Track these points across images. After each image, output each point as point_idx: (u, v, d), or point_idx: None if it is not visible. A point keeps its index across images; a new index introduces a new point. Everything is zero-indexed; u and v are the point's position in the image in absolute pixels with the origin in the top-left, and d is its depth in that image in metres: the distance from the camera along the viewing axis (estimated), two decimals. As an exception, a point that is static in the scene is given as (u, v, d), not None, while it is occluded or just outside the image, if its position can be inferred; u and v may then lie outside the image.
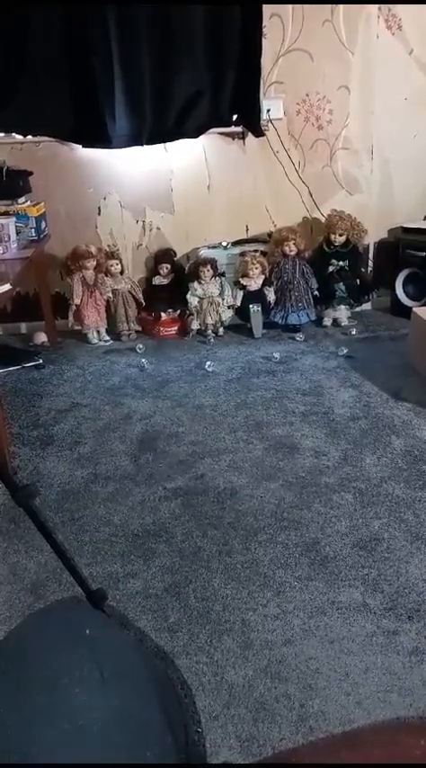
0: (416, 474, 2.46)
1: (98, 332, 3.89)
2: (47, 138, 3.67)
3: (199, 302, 3.83)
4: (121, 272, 3.89)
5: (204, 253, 3.90)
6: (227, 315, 3.90)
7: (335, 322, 3.97)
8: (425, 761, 0.64)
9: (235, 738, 1.51)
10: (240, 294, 3.85)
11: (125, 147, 3.65)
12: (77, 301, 3.79)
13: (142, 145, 3.68)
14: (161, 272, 3.91)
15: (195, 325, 3.88)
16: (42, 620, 1.27)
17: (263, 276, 3.83)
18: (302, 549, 2.10)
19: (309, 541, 2.14)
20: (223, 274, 3.88)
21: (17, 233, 3.28)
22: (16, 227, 3.29)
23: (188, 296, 3.83)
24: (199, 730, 1.51)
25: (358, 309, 4.08)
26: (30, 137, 3.67)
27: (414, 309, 3.33)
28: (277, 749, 1.47)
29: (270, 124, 3.78)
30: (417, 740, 0.65)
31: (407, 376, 3.25)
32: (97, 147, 3.66)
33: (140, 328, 3.97)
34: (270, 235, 3.98)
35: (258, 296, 3.84)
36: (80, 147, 3.70)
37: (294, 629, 1.80)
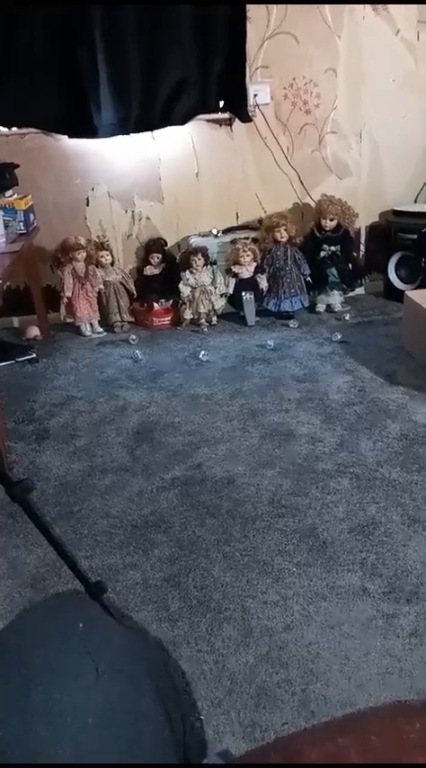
0: (412, 457, 2.47)
1: (91, 324, 3.88)
2: (32, 130, 3.63)
3: (191, 291, 3.82)
4: (112, 263, 3.87)
5: (195, 241, 3.88)
6: (220, 303, 3.89)
7: (328, 308, 3.97)
8: (420, 744, 0.65)
9: (237, 725, 1.52)
10: (232, 282, 3.84)
11: (111, 136, 3.62)
12: (68, 294, 3.77)
13: (129, 134, 3.65)
14: (152, 261, 3.89)
15: (188, 315, 3.86)
16: (38, 614, 1.27)
17: (255, 263, 3.82)
18: (300, 536, 2.11)
19: (307, 527, 2.14)
20: (214, 263, 3.86)
21: (5, 227, 3.25)
22: (4, 220, 3.26)
23: (180, 285, 3.81)
24: (202, 718, 1.52)
25: (351, 294, 4.07)
26: (15, 128, 3.63)
27: (407, 293, 3.32)
28: (279, 734, 1.48)
29: (257, 109, 3.74)
30: (413, 724, 0.65)
31: (401, 360, 3.25)
32: (83, 137, 3.62)
33: (133, 319, 3.95)
34: (260, 221, 3.95)
35: (250, 283, 3.83)
36: (66, 137, 3.66)
37: (294, 615, 1.81)
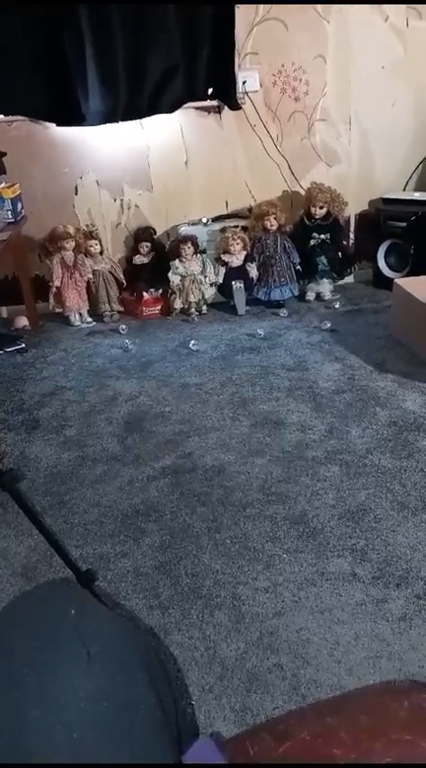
0: (401, 444, 2.48)
1: (80, 314, 3.86)
2: (20, 118, 3.59)
3: (181, 280, 3.81)
4: (101, 253, 3.84)
5: (184, 230, 3.86)
6: (210, 292, 3.88)
7: (318, 296, 3.97)
8: (410, 723, 0.65)
9: (229, 709, 1.53)
10: (222, 271, 3.83)
11: (100, 124, 3.59)
12: (57, 283, 3.75)
13: (117, 121, 3.62)
14: (141, 250, 3.87)
15: (178, 304, 3.85)
16: (30, 601, 1.28)
17: (245, 252, 3.81)
18: (290, 522, 2.12)
19: (297, 514, 2.15)
20: (204, 251, 3.84)
21: (-7, 215, 3.23)
22: (-8, 209, 3.24)
23: (169, 274, 3.80)
24: (193, 703, 1.53)
25: (340, 282, 4.07)
26: (2, 116, 3.59)
27: (396, 281, 3.33)
28: (270, 718, 1.49)
29: (246, 97, 3.72)
30: (401, 702, 0.66)
31: (390, 348, 3.26)
32: (72, 126, 3.59)
33: (122, 309, 3.94)
34: (250, 210, 3.94)
35: (240, 272, 3.82)
36: (54, 125, 3.63)
37: (284, 601, 1.82)
